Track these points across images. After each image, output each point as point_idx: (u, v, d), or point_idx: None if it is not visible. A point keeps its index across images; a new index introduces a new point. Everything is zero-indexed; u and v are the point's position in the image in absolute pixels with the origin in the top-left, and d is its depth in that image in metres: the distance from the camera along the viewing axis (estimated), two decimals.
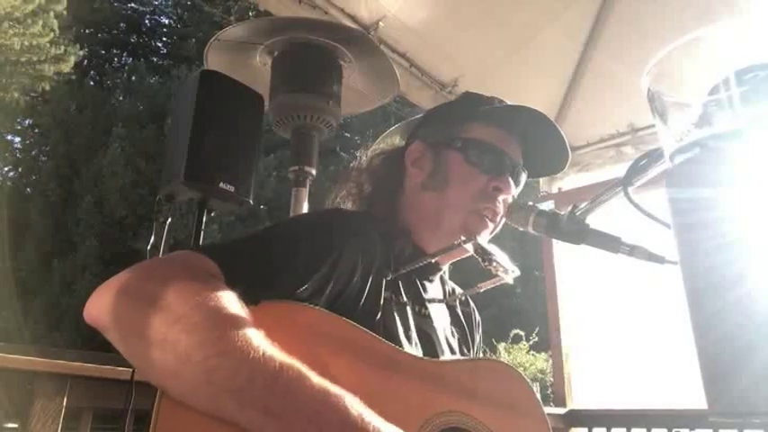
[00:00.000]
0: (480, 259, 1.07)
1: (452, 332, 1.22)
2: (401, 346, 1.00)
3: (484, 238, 1.13)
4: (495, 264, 1.06)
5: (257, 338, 0.76)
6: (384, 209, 1.17)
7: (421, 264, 1.10)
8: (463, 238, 1.06)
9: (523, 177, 1.20)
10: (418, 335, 1.07)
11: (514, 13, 2.97)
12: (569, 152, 1.20)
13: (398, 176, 1.20)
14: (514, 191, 1.16)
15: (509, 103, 1.20)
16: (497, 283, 1.11)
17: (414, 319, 1.09)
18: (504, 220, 1.15)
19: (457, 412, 0.97)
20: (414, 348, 1.03)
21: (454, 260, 1.22)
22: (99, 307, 0.80)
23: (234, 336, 0.74)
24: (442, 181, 1.14)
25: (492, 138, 1.15)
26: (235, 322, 0.76)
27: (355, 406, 0.77)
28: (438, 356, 1.09)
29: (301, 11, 2.53)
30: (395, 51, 2.92)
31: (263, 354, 0.74)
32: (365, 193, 1.22)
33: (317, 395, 0.75)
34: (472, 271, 1.15)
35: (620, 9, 3.06)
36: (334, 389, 0.77)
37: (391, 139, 1.33)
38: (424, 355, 1.04)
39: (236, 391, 0.72)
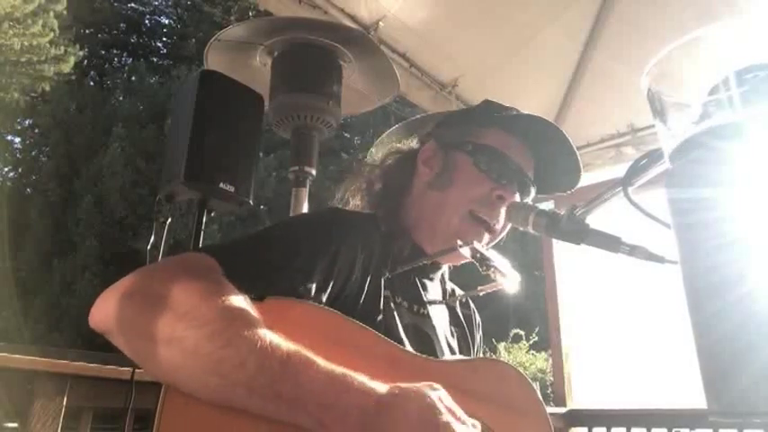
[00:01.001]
0: (478, 264, 1.06)
1: (452, 332, 1.22)
2: (402, 344, 1.00)
3: (482, 244, 1.13)
4: (493, 269, 1.06)
5: (262, 328, 0.77)
6: (388, 208, 1.17)
7: (418, 264, 1.10)
8: (460, 242, 1.06)
9: (532, 191, 1.19)
10: (417, 334, 1.07)
11: (514, 13, 2.97)
12: (581, 171, 1.18)
13: (409, 175, 1.20)
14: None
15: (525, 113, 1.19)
16: (496, 289, 1.11)
17: (412, 319, 1.09)
18: (505, 232, 1.14)
19: None
20: (412, 347, 1.03)
21: (455, 263, 1.22)
22: (103, 312, 0.80)
23: (240, 326, 0.76)
24: (447, 181, 1.14)
25: (504, 146, 1.14)
26: (239, 314, 0.77)
27: (361, 383, 0.78)
28: (437, 356, 1.09)
29: (301, 11, 2.53)
30: (395, 51, 2.92)
31: (270, 342, 0.75)
32: (374, 191, 1.22)
33: (325, 378, 0.76)
34: (473, 272, 1.14)
35: (620, 9, 3.06)
36: (340, 369, 0.78)
37: (392, 138, 1.32)
38: (423, 354, 1.04)
39: (246, 380, 0.73)
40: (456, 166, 1.14)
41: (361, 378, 0.78)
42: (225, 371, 0.73)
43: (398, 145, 1.28)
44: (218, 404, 0.75)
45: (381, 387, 0.79)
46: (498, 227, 1.13)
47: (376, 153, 1.29)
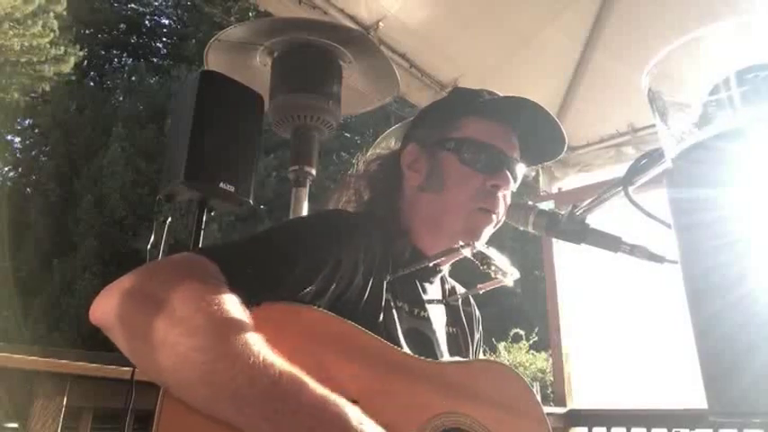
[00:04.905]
0: (479, 263, 1.06)
1: (451, 332, 1.22)
2: (401, 347, 1.00)
3: (485, 237, 1.13)
4: (493, 267, 1.06)
5: (257, 344, 0.76)
6: (384, 211, 1.17)
7: (419, 267, 1.10)
8: (461, 243, 1.06)
9: (521, 169, 1.18)
10: (417, 337, 1.07)
11: (514, 13, 2.98)
12: (565, 136, 1.18)
13: (396, 179, 1.19)
14: (513, 185, 1.15)
15: (499, 94, 1.18)
16: (496, 286, 1.10)
17: (413, 322, 1.09)
18: (504, 216, 1.14)
19: (457, 413, 0.97)
20: (412, 351, 1.03)
21: (454, 260, 1.22)
22: (105, 309, 0.80)
23: (233, 340, 0.75)
24: (439, 183, 1.13)
25: (485, 134, 1.13)
26: (235, 327, 0.76)
27: (354, 415, 0.77)
28: (437, 358, 1.09)
29: (301, 11, 2.53)
30: (395, 51, 2.92)
31: (263, 359, 0.75)
32: (364, 199, 1.21)
33: (316, 403, 0.75)
34: (473, 269, 1.14)
35: (620, 9, 3.06)
36: (333, 397, 0.77)
37: (389, 140, 1.32)
38: (423, 357, 1.04)
39: (234, 395, 0.73)
40: (443, 167, 1.13)
41: (354, 413, 0.77)
42: (214, 383, 0.73)
43: (378, 150, 1.28)
44: (206, 414, 0.74)
45: (373, 427, 0.78)
46: (500, 210, 1.13)
47: (358, 163, 1.28)
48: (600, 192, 0.88)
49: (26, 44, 15.49)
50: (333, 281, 0.93)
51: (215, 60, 2.03)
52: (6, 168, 18.79)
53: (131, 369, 1.49)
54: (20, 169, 18.98)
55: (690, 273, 0.49)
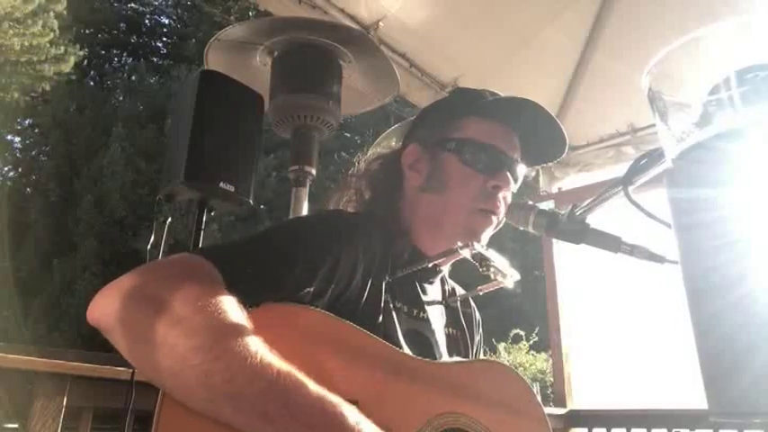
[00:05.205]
0: (478, 265, 1.06)
1: (450, 333, 1.22)
2: (400, 348, 1.00)
3: (485, 238, 1.13)
4: (493, 269, 1.06)
5: (255, 344, 0.76)
6: (385, 211, 1.17)
7: (418, 268, 1.10)
8: (460, 244, 1.06)
9: (522, 170, 1.18)
10: (416, 338, 1.07)
11: (514, 13, 2.98)
12: (566, 137, 1.18)
13: (397, 179, 1.19)
14: (514, 186, 1.15)
15: (501, 94, 1.18)
16: (496, 287, 1.10)
17: (411, 323, 1.09)
18: (504, 216, 1.14)
19: (457, 413, 0.97)
20: (411, 351, 1.03)
21: (454, 260, 1.21)
22: (103, 310, 0.80)
23: (231, 341, 0.75)
24: (440, 183, 1.13)
25: (486, 135, 1.13)
26: (233, 327, 0.76)
27: (352, 414, 0.77)
28: (436, 359, 1.09)
29: (301, 11, 2.53)
30: (395, 51, 2.92)
31: (261, 359, 0.75)
32: (365, 198, 1.21)
33: (314, 402, 0.75)
34: (473, 271, 1.15)
35: (620, 9, 3.07)
36: (331, 397, 0.77)
37: (390, 139, 1.32)
38: (422, 358, 1.04)
39: (232, 395, 0.73)
40: (444, 168, 1.13)
41: (352, 413, 0.78)
42: (212, 384, 0.73)
43: (379, 149, 1.28)
44: (205, 415, 0.74)
45: (371, 427, 0.78)
46: (501, 211, 1.13)
47: (359, 162, 1.28)
48: (600, 192, 0.88)
49: (26, 44, 15.47)
50: (332, 281, 0.94)
51: (215, 60, 2.04)
52: (6, 168, 18.80)
53: (131, 369, 1.49)
54: (20, 169, 18.98)
55: (690, 273, 0.49)
